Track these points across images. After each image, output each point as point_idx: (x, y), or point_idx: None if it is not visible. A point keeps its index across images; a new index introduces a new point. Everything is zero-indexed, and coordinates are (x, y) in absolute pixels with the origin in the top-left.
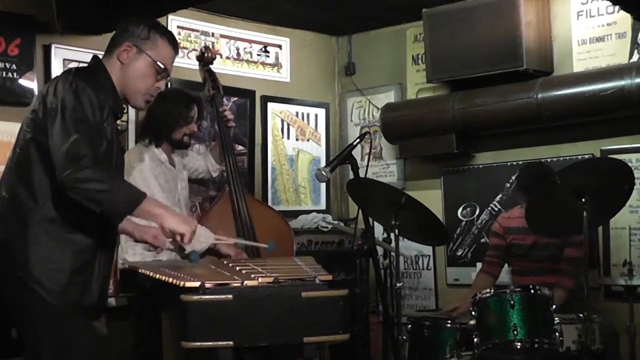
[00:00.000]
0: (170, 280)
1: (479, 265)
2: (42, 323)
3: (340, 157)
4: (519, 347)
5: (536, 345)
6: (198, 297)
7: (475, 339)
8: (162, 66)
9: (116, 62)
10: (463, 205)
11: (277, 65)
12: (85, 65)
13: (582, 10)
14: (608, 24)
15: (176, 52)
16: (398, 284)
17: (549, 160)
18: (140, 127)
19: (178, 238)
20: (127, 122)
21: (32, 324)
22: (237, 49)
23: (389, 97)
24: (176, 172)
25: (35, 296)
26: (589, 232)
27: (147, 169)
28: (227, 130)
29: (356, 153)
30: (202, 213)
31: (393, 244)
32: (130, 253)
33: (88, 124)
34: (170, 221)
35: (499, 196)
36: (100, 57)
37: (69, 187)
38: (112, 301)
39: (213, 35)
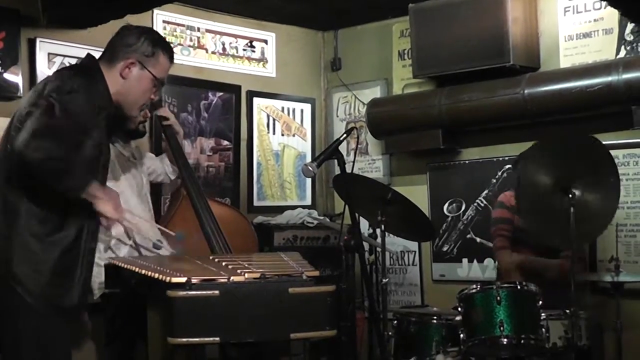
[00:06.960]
0: (156, 275)
1: (465, 260)
2: (21, 322)
3: (327, 153)
4: (505, 342)
5: (522, 341)
6: (184, 292)
7: (462, 335)
8: (161, 80)
9: (117, 75)
10: (449, 201)
11: (262, 60)
12: (80, 64)
13: (569, 6)
14: (595, 20)
15: (172, 63)
16: (384, 280)
17: None
18: None
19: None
20: None
21: (12, 323)
22: (223, 44)
23: (375, 92)
24: (139, 165)
25: (15, 295)
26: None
27: (118, 171)
28: (175, 140)
29: (342, 148)
30: (164, 217)
31: (379, 240)
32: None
33: (58, 131)
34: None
35: (485, 192)
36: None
37: (27, 157)
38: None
39: (199, 30)
